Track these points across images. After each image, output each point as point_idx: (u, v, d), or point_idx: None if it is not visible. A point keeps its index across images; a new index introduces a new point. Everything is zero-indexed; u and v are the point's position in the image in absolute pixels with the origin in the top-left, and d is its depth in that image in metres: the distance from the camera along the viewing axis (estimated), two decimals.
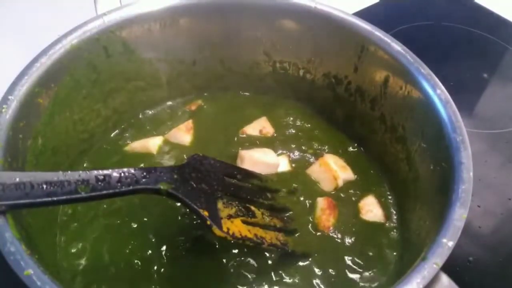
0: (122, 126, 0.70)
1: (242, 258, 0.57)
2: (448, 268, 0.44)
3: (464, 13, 1.07)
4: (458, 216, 0.47)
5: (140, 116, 0.72)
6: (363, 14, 1.00)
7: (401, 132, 0.64)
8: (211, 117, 0.73)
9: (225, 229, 0.50)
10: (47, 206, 0.44)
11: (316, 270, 0.56)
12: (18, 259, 0.41)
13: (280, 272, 0.56)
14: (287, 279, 0.56)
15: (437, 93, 0.57)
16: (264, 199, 0.59)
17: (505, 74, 0.97)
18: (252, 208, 0.57)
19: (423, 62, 0.60)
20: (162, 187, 0.49)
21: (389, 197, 0.65)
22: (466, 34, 1.02)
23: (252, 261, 0.56)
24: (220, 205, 0.53)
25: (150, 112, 0.73)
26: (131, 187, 0.47)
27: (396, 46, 0.62)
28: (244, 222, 0.54)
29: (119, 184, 0.47)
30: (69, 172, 0.45)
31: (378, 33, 0.64)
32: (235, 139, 0.69)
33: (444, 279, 0.45)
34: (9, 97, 0.51)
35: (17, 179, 0.42)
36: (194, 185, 0.52)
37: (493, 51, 1.00)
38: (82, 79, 0.61)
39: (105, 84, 0.65)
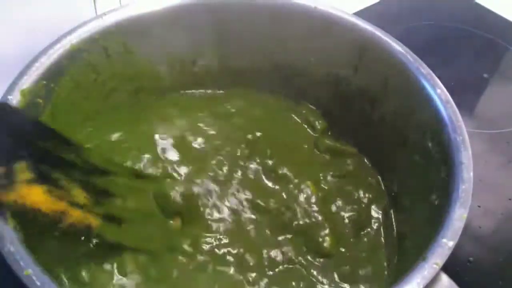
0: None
1: None
2: (449, 268, 0.44)
3: (465, 13, 1.07)
4: (458, 216, 0.47)
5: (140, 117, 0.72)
6: (363, 14, 1.00)
7: (401, 132, 0.64)
8: None
9: (15, 196, 0.43)
10: None
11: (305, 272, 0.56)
12: (18, 259, 0.41)
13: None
14: None
15: (437, 93, 0.57)
16: (83, 175, 0.51)
17: (505, 74, 0.97)
18: (64, 180, 0.49)
19: (423, 62, 0.60)
20: None
21: (388, 196, 0.65)
22: (466, 34, 1.02)
23: None
24: (21, 165, 0.44)
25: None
26: None
27: (396, 46, 0.62)
28: (47, 192, 0.46)
29: None
30: None
31: (378, 33, 0.64)
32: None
33: (444, 279, 0.45)
34: (9, 97, 0.51)
35: None
36: None
37: (493, 51, 1.00)
38: (82, 79, 0.61)
39: (105, 85, 0.65)
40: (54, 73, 0.56)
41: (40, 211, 0.45)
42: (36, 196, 0.45)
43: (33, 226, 0.45)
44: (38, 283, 0.40)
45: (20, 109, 0.50)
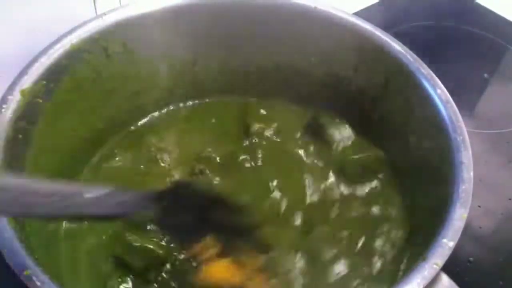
0: (122, 128, 0.70)
1: None
2: (449, 268, 0.44)
3: (464, 13, 1.07)
4: (459, 216, 0.47)
5: (140, 118, 0.72)
6: (363, 14, 1.00)
7: (401, 132, 0.64)
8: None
9: (205, 275, 0.47)
10: None
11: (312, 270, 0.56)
12: (18, 259, 0.41)
13: None
14: None
15: (438, 93, 0.57)
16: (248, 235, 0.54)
17: (505, 74, 0.97)
18: (238, 248, 0.51)
19: (423, 62, 0.60)
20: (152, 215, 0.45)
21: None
22: (466, 34, 1.02)
23: None
24: (208, 241, 0.49)
25: (150, 115, 0.73)
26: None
27: (396, 46, 0.62)
28: (231, 264, 0.48)
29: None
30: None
31: (378, 33, 0.64)
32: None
33: (445, 279, 0.45)
34: (9, 97, 0.51)
35: None
36: (180, 216, 0.49)
37: (493, 51, 1.00)
38: (81, 79, 0.61)
39: (105, 85, 0.65)
40: (54, 73, 0.56)
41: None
42: (220, 271, 0.47)
43: None
44: (38, 283, 0.39)
45: (194, 181, 0.54)
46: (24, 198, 0.36)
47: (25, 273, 0.40)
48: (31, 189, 0.38)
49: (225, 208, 0.53)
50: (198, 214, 0.50)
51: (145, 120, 0.72)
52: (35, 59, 0.55)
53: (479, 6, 1.09)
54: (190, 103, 0.75)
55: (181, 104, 0.75)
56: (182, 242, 0.48)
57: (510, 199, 0.73)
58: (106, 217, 0.45)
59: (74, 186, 0.43)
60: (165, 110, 0.74)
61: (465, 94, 0.87)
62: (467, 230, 0.46)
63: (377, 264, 0.57)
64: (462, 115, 0.55)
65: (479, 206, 0.70)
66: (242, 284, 0.48)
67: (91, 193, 0.41)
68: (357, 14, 0.84)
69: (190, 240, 0.48)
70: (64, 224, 0.59)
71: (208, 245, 0.48)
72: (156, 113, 0.73)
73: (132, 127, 0.71)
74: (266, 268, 0.52)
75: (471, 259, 0.66)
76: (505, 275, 0.65)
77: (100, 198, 0.41)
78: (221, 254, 0.48)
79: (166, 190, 0.50)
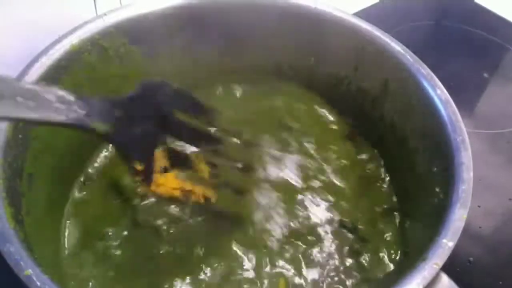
0: None
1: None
2: (448, 268, 0.44)
3: (464, 13, 1.07)
4: (459, 216, 0.47)
5: None
6: (363, 14, 1.00)
7: (401, 133, 0.64)
8: None
9: (154, 187, 0.46)
10: None
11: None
12: (18, 259, 0.41)
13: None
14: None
15: (437, 93, 0.57)
16: (210, 145, 0.53)
17: (505, 74, 0.97)
18: (193, 156, 0.51)
19: (423, 62, 0.61)
20: (97, 127, 0.41)
21: (388, 197, 0.65)
22: (466, 34, 1.02)
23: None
24: (158, 154, 0.48)
25: None
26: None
27: (396, 46, 0.62)
28: (178, 175, 0.49)
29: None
30: None
31: (378, 33, 0.64)
32: None
33: (445, 279, 0.45)
34: None
35: None
36: (137, 126, 0.46)
37: (493, 51, 1.00)
38: (81, 79, 0.61)
39: (105, 85, 0.65)
40: (54, 73, 0.56)
41: (173, 196, 0.47)
42: (170, 182, 0.47)
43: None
44: (38, 283, 0.40)
45: (161, 80, 0.50)
46: None
47: (25, 273, 0.40)
48: None
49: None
50: (154, 122, 0.48)
51: None
52: (35, 59, 0.55)
53: (479, 6, 1.09)
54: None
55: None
56: (133, 157, 0.45)
57: (510, 199, 0.73)
58: (58, 124, 0.41)
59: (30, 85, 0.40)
60: None
61: (465, 94, 0.87)
62: (467, 230, 0.46)
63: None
64: (462, 115, 0.55)
65: (479, 206, 0.70)
66: (188, 191, 0.49)
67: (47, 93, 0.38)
68: (357, 14, 0.84)
69: (141, 153, 0.46)
70: (64, 223, 0.59)
71: (158, 158, 0.48)
72: None
73: None
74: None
75: (471, 259, 0.66)
76: (505, 275, 0.65)
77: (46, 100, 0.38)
78: (169, 168, 0.49)
79: (129, 96, 0.48)
